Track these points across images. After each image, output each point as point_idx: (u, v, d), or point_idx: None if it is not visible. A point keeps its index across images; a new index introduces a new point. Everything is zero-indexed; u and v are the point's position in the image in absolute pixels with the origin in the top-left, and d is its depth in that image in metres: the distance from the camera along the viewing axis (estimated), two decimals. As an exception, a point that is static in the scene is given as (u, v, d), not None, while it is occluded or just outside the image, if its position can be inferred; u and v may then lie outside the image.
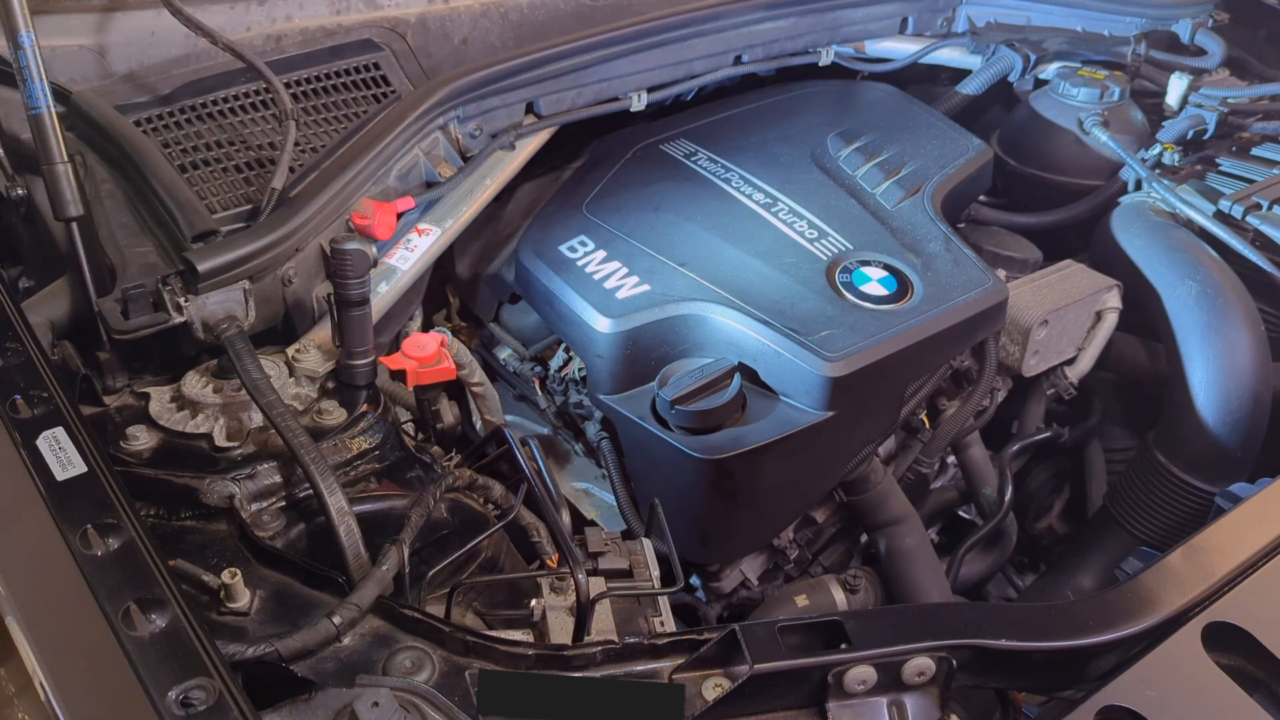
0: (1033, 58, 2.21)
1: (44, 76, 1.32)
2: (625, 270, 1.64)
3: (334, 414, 1.25)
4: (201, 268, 1.31)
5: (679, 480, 1.53)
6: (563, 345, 1.80)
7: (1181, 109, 2.16)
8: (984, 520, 1.91)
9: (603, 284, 1.62)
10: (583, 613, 1.07)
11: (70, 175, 1.33)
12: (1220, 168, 2.01)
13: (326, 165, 1.52)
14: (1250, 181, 1.93)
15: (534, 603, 1.13)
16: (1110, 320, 1.93)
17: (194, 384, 1.28)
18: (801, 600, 1.63)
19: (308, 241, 1.45)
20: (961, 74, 2.28)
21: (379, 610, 1.03)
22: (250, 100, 1.61)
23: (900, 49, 2.26)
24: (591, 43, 1.84)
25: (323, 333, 1.41)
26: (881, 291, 1.61)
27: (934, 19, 2.29)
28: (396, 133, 1.59)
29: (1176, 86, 2.17)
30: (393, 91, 1.71)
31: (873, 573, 1.77)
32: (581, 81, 1.85)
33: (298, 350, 1.34)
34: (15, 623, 0.88)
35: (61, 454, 1.03)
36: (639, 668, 1.02)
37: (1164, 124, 2.13)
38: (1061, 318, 1.86)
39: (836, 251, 1.68)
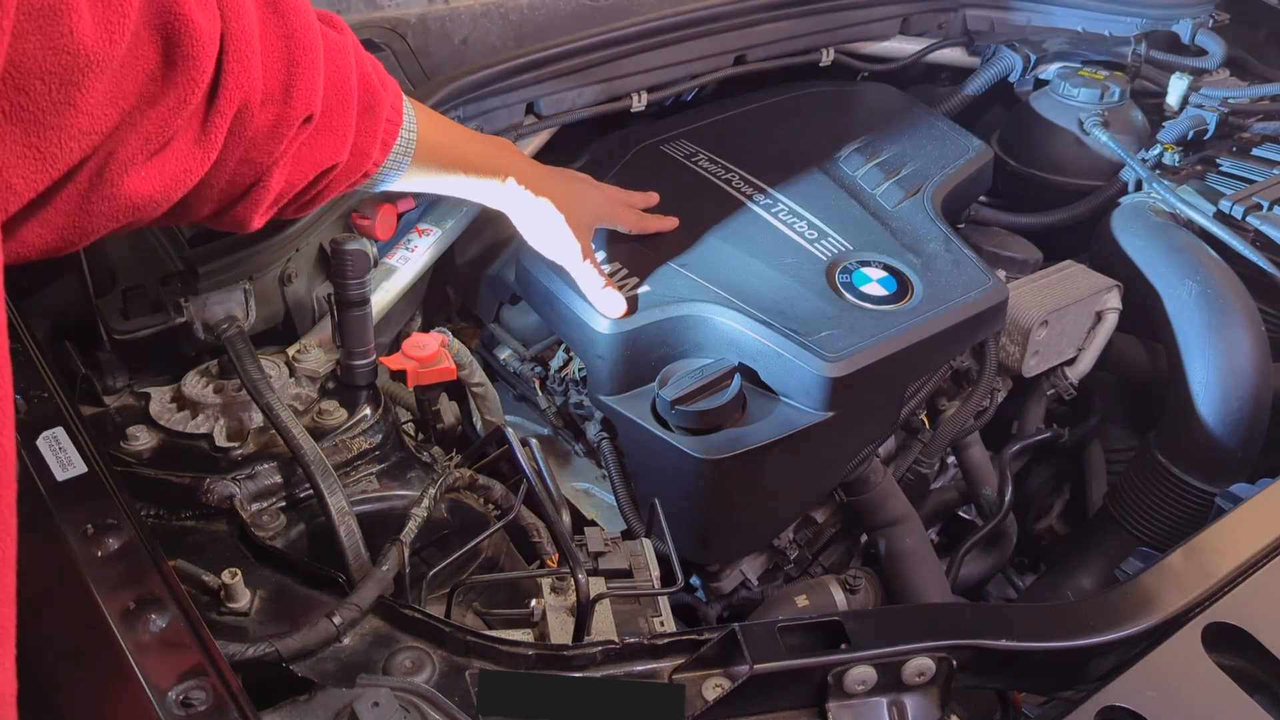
0: (1033, 58, 2.21)
1: (44, 76, 1.32)
2: (625, 271, 1.64)
3: (334, 414, 1.25)
4: (202, 268, 1.31)
5: (679, 480, 1.53)
6: (563, 346, 1.80)
7: (1182, 109, 2.16)
8: (984, 520, 1.91)
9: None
10: (583, 613, 1.07)
11: (70, 175, 1.33)
12: (1220, 168, 2.01)
13: (327, 165, 1.52)
14: (1250, 182, 1.93)
15: (534, 603, 1.13)
16: (1110, 320, 1.93)
17: (194, 384, 1.28)
18: (801, 600, 1.63)
19: (308, 241, 1.45)
20: (961, 74, 2.28)
21: (379, 610, 1.03)
22: (250, 100, 1.61)
23: (900, 49, 2.25)
24: (592, 43, 1.84)
25: (323, 333, 1.41)
26: (881, 292, 1.61)
27: (934, 19, 2.29)
28: (397, 133, 1.58)
29: (1177, 87, 2.17)
30: (393, 91, 1.71)
31: (873, 573, 1.76)
32: (582, 82, 1.85)
33: (298, 350, 1.34)
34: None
35: (61, 454, 1.03)
36: (639, 668, 1.02)
37: (1164, 124, 2.13)
38: (1061, 318, 1.85)
39: (836, 252, 1.68)
